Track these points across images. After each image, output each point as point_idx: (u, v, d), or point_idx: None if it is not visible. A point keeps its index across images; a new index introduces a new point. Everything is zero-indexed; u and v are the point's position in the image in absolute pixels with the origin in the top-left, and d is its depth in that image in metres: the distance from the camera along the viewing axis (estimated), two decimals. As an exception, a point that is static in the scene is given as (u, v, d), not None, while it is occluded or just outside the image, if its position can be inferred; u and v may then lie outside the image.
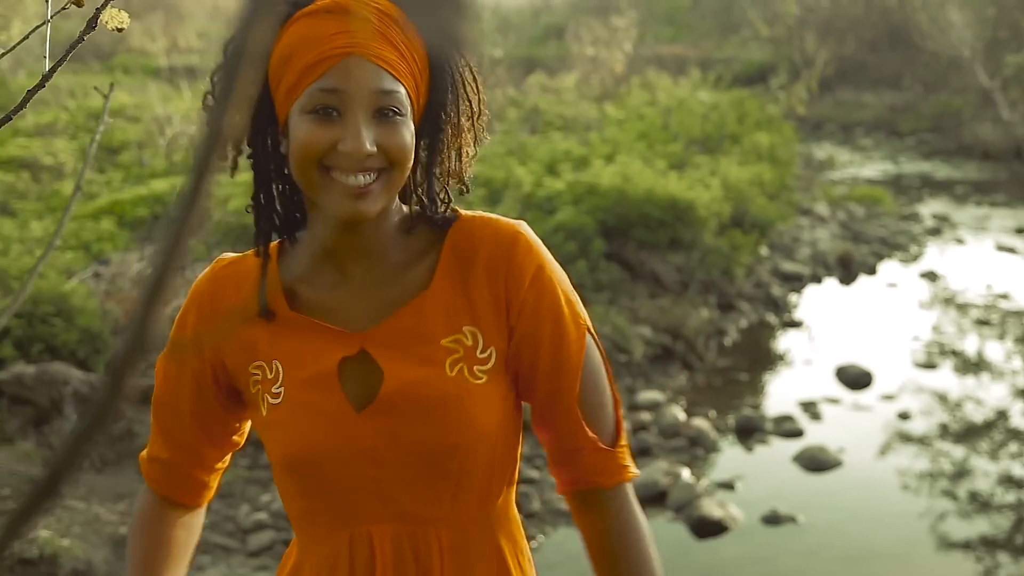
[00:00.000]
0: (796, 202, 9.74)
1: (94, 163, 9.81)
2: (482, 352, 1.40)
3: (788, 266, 8.57)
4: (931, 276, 8.73)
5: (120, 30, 1.49)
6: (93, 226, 7.17)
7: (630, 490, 1.48)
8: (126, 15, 1.48)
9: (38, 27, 1.37)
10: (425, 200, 1.41)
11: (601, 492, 1.46)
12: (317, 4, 1.33)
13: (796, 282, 8.45)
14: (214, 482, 1.61)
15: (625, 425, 1.49)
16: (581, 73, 12.58)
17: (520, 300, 1.40)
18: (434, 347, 1.39)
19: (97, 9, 1.28)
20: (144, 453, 1.60)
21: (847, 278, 8.82)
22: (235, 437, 1.57)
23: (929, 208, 11.22)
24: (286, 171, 1.40)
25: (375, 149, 1.29)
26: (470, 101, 1.40)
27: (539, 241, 1.44)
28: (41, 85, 1.26)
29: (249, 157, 1.41)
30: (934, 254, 9.53)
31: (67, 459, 0.46)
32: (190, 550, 1.64)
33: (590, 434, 1.43)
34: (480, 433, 1.39)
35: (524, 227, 1.44)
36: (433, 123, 1.38)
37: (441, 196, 1.43)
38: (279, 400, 1.40)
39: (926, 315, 7.81)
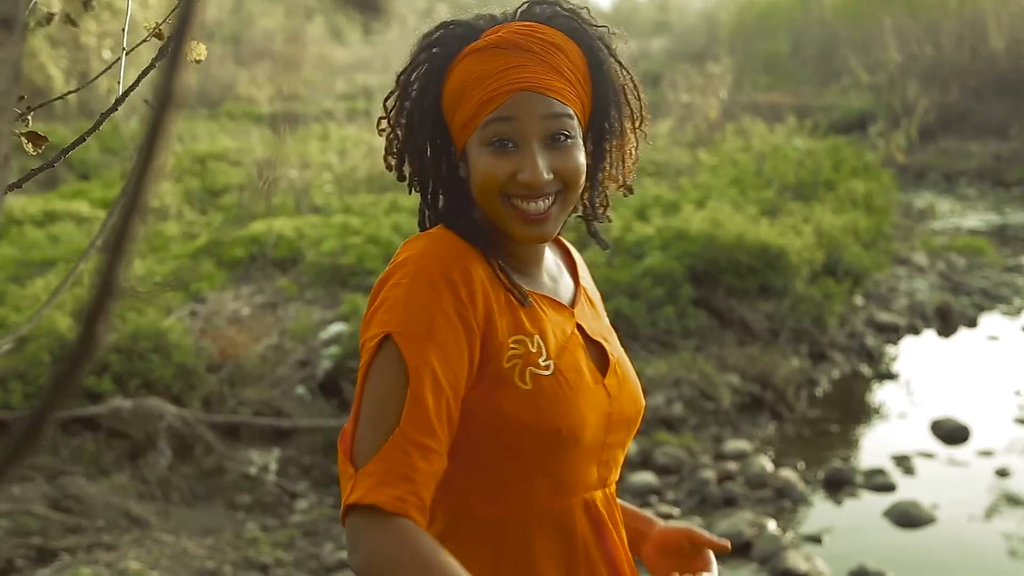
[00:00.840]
0: (893, 251, 9.55)
1: (196, 204, 10.10)
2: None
3: (884, 316, 8.39)
4: (1034, 329, 8.47)
5: (198, 61, 1.56)
6: (192, 265, 7.38)
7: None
8: (204, 47, 1.55)
9: (116, 61, 1.43)
10: (590, 205, 1.56)
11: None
12: (485, 39, 1.43)
13: (892, 333, 8.26)
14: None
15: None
16: (675, 120, 12.58)
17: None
18: (608, 325, 1.62)
19: (168, 38, 1.34)
20: (359, 488, 1.27)
21: (946, 330, 8.60)
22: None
23: (1035, 260, 10.90)
24: (466, 195, 1.49)
25: (551, 176, 1.40)
26: (631, 107, 1.51)
27: None
28: (114, 108, 1.32)
29: (414, 179, 1.51)
30: (1039, 307, 9.24)
31: (47, 404, 0.49)
32: None
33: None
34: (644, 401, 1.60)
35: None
36: (598, 132, 1.50)
37: (601, 200, 1.58)
38: (550, 372, 1.42)
39: (1028, 368, 7.56)
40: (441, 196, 1.51)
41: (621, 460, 1.55)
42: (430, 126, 1.46)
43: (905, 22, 21.60)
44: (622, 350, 1.60)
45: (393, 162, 1.51)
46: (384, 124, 1.50)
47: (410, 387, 1.30)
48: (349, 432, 1.35)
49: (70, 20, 1.73)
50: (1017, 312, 9.06)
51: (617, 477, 1.56)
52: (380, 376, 1.33)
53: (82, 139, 1.36)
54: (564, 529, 1.45)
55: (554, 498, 1.44)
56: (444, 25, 1.47)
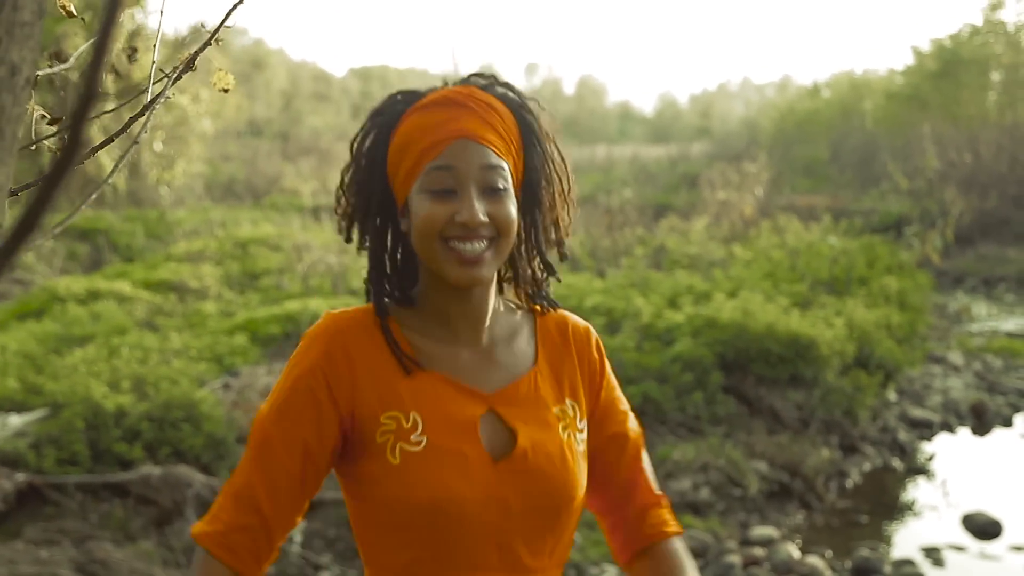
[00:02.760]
0: (928, 350, 9.49)
1: (236, 286, 10.27)
2: (580, 423, 1.63)
3: (917, 412, 8.32)
4: (1072, 430, 8.35)
5: (226, 91, 1.65)
6: (227, 340, 7.49)
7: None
8: (232, 78, 1.64)
9: (145, 107, 1.52)
10: (537, 271, 1.64)
11: (674, 540, 1.67)
12: (428, 99, 1.56)
13: (925, 429, 8.18)
14: (268, 564, 1.60)
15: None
16: (711, 216, 12.69)
17: (600, 385, 1.69)
18: (548, 413, 1.60)
19: (193, 53, 1.43)
20: (206, 526, 1.51)
21: (980, 428, 8.49)
22: (308, 502, 1.61)
23: (1074, 364, 10.77)
24: (399, 246, 1.62)
25: (487, 219, 1.49)
26: (560, 177, 1.61)
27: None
28: (123, 130, 1.41)
29: (365, 237, 1.60)
30: (1077, 409, 9.11)
31: (41, 199, 0.56)
32: None
33: (657, 491, 1.69)
34: (581, 493, 1.58)
35: (593, 331, 1.73)
36: (530, 196, 1.59)
37: (540, 265, 1.65)
38: (420, 447, 1.49)
39: (1064, 468, 7.44)
40: (385, 259, 1.60)
41: (552, 548, 1.56)
42: (376, 187, 1.57)
43: (944, 130, 21.74)
44: (565, 443, 1.58)
45: (345, 226, 1.61)
46: (339, 193, 1.61)
47: (246, 474, 1.50)
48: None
49: (114, 70, 1.83)
50: (1054, 413, 8.93)
51: (552, 565, 1.57)
52: (247, 451, 1.53)
53: (110, 139, 1.45)
54: None
55: (438, 573, 1.50)
56: (391, 96, 1.60)
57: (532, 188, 1.58)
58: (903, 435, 7.83)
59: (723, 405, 6.93)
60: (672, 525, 1.67)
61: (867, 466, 7.22)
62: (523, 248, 1.61)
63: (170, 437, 6.02)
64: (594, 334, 1.72)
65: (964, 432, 8.39)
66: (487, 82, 1.59)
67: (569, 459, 1.56)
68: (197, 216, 17.18)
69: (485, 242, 1.50)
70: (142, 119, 1.41)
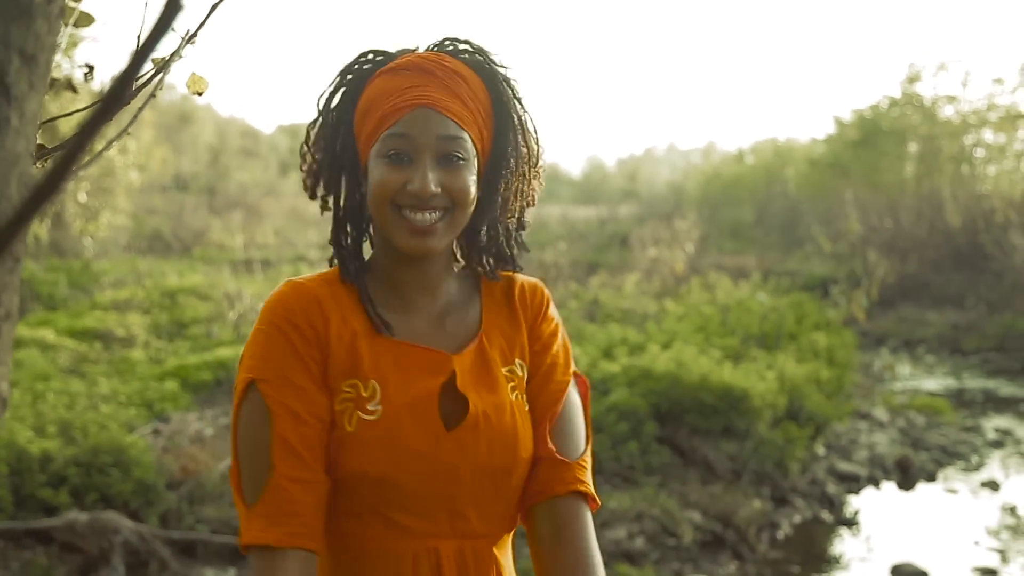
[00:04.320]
0: (855, 407, 9.65)
1: (164, 335, 10.11)
2: (526, 381, 1.61)
3: (844, 466, 8.44)
4: (993, 485, 8.52)
5: (199, 94, 1.64)
6: (158, 386, 7.36)
7: (586, 509, 1.57)
8: (207, 81, 1.64)
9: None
10: (501, 240, 1.62)
11: (557, 500, 1.56)
12: (395, 63, 1.55)
13: (853, 482, 8.29)
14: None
15: (588, 462, 1.63)
16: (642, 272, 12.84)
17: (540, 339, 1.64)
18: (498, 374, 1.58)
19: (162, 60, 1.43)
20: (257, 532, 1.41)
21: (905, 483, 8.63)
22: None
23: (992, 423, 11.02)
24: (361, 209, 1.60)
25: (439, 190, 1.49)
26: (529, 148, 1.60)
27: (551, 302, 1.71)
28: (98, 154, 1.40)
29: (326, 199, 1.60)
30: (996, 465, 9.31)
31: (68, 157, 0.56)
32: None
33: (550, 445, 1.58)
34: (529, 453, 1.56)
35: (543, 288, 1.70)
36: (497, 168, 1.58)
37: (502, 235, 1.63)
38: (375, 416, 1.48)
39: (987, 521, 7.59)
40: (346, 218, 1.60)
41: (501, 512, 1.55)
42: (340, 146, 1.57)
43: (865, 196, 22.32)
44: (514, 401, 1.56)
45: (310, 183, 1.59)
46: (305, 149, 1.59)
47: (274, 428, 1.43)
48: (235, 471, 1.47)
49: (71, 87, 1.82)
50: (976, 469, 9.12)
51: (502, 529, 1.57)
52: (249, 418, 1.45)
53: (124, 131, 1.44)
54: (397, 571, 1.49)
55: (388, 540, 1.49)
56: (363, 53, 1.59)
57: (499, 157, 1.57)
58: (832, 488, 7.93)
59: (658, 455, 6.97)
60: (564, 483, 1.55)
61: (797, 518, 7.29)
62: (484, 217, 1.60)
63: (97, 482, 5.88)
64: (543, 292, 1.69)
65: (890, 486, 8.52)
66: (458, 48, 1.58)
67: (519, 420, 1.55)
68: (123, 266, 16.91)
69: (438, 212, 1.49)
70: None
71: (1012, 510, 7.89)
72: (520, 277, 1.69)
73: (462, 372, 1.54)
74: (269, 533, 1.39)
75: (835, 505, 7.72)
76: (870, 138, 27.25)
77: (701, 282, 12.12)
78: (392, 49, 1.58)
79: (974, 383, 13.45)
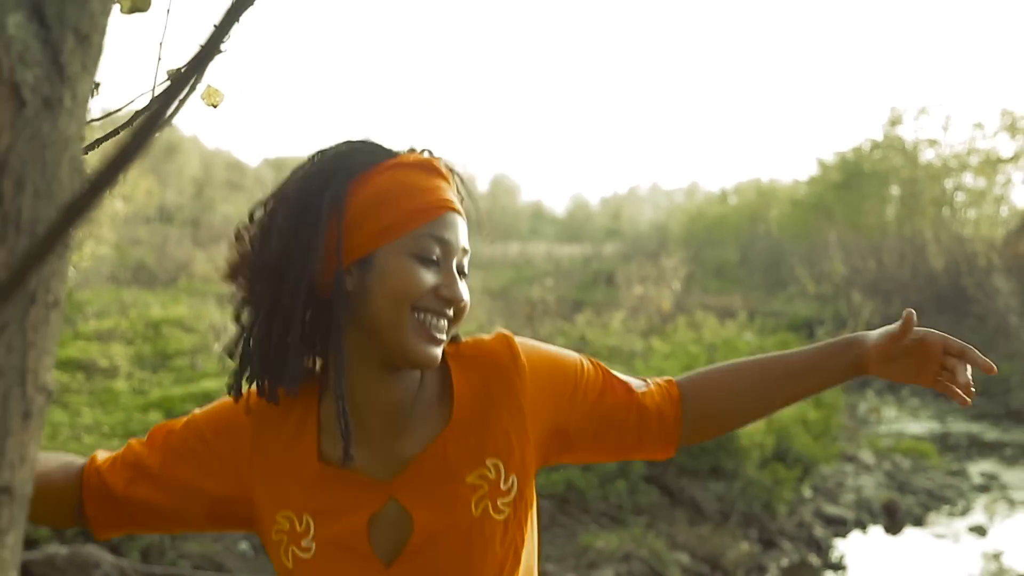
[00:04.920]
0: (841, 449, 9.63)
1: (148, 367, 10.02)
2: (504, 483, 1.44)
3: (831, 509, 8.41)
4: (980, 530, 8.50)
5: (215, 106, 1.60)
6: (141, 417, 7.27)
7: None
8: (223, 93, 1.60)
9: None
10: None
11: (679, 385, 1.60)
12: (405, 158, 1.43)
13: (840, 526, 8.26)
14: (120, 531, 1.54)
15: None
16: (628, 310, 12.83)
17: (540, 391, 1.49)
18: (459, 485, 1.42)
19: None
20: (102, 453, 1.54)
21: (893, 526, 8.61)
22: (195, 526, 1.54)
23: (978, 467, 11.02)
24: (310, 310, 1.41)
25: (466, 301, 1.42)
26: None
27: (519, 340, 1.53)
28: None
29: (274, 295, 1.37)
30: (982, 510, 9.30)
31: (106, 174, 0.54)
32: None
33: (642, 399, 1.56)
34: (498, 565, 1.42)
35: (507, 337, 1.52)
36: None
37: None
38: (309, 555, 1.40)
39: (973, 567, 7.56)
40: (297, 318, 1.37)
41: None
42: (318, 237, 1.36)
43: (849, 237, 22.45)
44: (471, 515, 1.41)
45: (246, 277, 1.42)
46: (243, 234, 1.43)
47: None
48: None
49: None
50: (962, 513, 9.11)
51: None
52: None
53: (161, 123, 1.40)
54: None
55: None
56: (351, 143, 1.44)
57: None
58: (819, 531, 7.89)
59: (645, 495, 6.92)
60: (669, 388, 1.58)
61: (785, 561, 7.25)
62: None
63: (78, 515, 5.78)
64: (513, 348, 1.49)
65: (877, 530, 8.49)
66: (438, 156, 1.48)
67: (478, 543, 1.40)
68: (106, 296, 16.81)
69: (447, 322, 1.40)
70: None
71: (997, 556, 7.87)
72: (483, 343, 1.52)
73: (411, 488, 1.41)
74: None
75: (822, 548, 7.68)
76: (852, 180, 27.47)
77: (687, 320, 12.12)
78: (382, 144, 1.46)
79: (958, 427, 13.46)
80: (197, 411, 1.53)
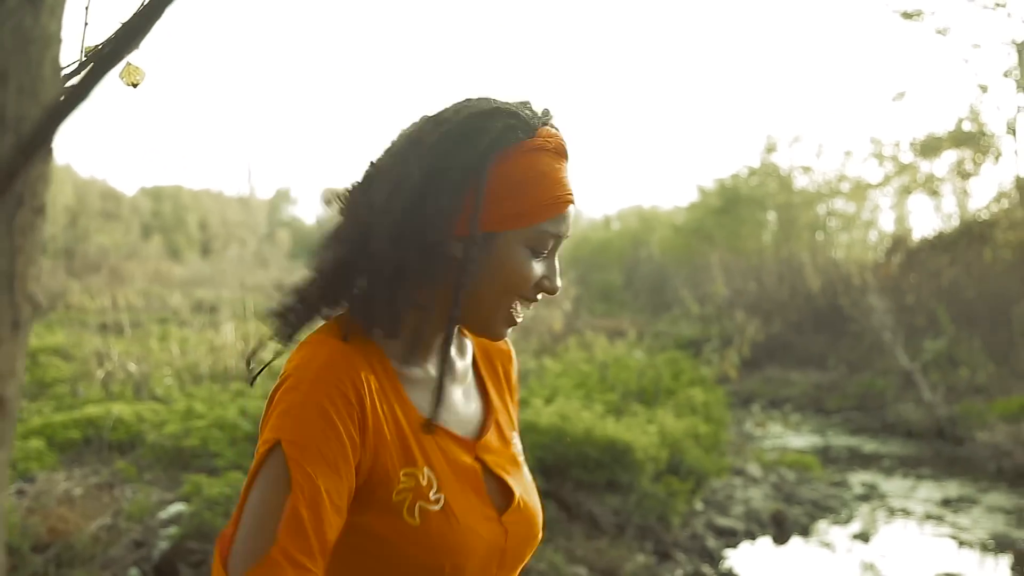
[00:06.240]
0: (730, 463, 9.82)
1: (26, 396, 9.66)
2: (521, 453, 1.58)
3: (723, 521, 8.55)
4: (863, 537, 8.75)
5: (135, 85, 1.56)
6: (21, 445, 7.01)
7: None
8: (143, 72, 1.56)
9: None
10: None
11: None
12: (546, 141, 1.41)
13: (731, 537, 8.41)
14: None
15: None
16: (520, 331, 12.90)
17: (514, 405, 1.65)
18: (514, 452, 1.55)
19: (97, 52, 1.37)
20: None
21: (781, 536, 8.79)
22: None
23: (858, 477, 11.35)
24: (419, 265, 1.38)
25: None
26: None
27: None
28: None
29: (396, 240, 1.36)
30: (865, 518, 9.58)
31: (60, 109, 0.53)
32: None
33: None
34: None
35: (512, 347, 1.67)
36: None
37: None
38: (439, 507, 1.38)
39: (859, 573, 7.77)
40: (406, 275, 1.37)
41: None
42: (444, 201, 1.36)
43: (730, 260, 22.99)
44: (527, 476, 1.56)
45: (357, 230, 1.39)
46: (361, 180, 1.42)
47: (291, 499, 1.23)
48: (228, 536, 1.27)
49: None
50: (846, 522, 9.36)
51: None
52: (265, 483, 1.26)
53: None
54: None
55: None
56: (499, 110, 1.40)
57: None
58: (711, 542, 8.02)
59: (544, 509, 6.93)
60: None
61: (679, 572, 7.33)
62: None
63: (-44, 546, 5.53)
64: (515, 356, 1.68)
65: (766, 540, 8.66)
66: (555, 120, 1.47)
67: (539, 502, 1.55)
68: (-24, 326, 16.18)
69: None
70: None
71: (871, 566, 8.11)
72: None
73: (489, 453, 1.50)
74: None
75: (715, 559, 7.80)
76: (731, 205, 28.16)
77: (578, 340, 12.24)
78: (516, 105, 1.42)
79: (838, 440, 13.86)
80: (285, 434, 1.29)
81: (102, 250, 40.60)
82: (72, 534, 5.85)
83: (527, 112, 1.42)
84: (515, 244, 1.39)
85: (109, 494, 6.37)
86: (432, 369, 1.47)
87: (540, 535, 1.53)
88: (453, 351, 1.53)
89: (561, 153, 1.42)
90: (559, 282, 1.44)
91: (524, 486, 1.52)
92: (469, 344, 1.59)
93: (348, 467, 1.30)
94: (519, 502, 1.48)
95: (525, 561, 1.52)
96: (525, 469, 1.56)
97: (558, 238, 1.42)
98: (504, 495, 1.48)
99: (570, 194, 1.42)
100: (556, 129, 1.44)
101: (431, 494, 1.38)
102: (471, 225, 1.37)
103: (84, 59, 1.42)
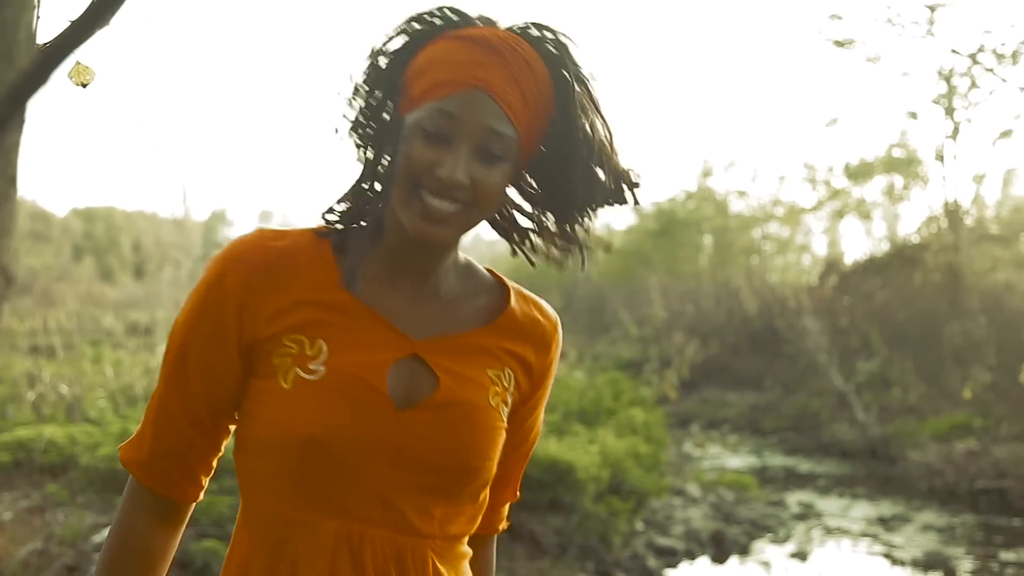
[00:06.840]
0: (669, 483, 9.87)
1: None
2: (511, 395, 1.51)
3: (663, 541, 8.57)
4: (801, 556, 8.83)
5: (84, 86, 1.53)
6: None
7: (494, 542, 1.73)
8: (93, 72, 1.53)
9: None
10: (556, 242, 1.52)
11: (494, 537, 1.70)
12: (468, 31, 1.40)
13: (671, 556, 8.42)
14: (206, 484, 1.52)
15: None
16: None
17: (543, 379, 1.58)
18: (482, 375, 1.47)
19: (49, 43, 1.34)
20: (132, 452, 1.48)
21: (720, 556, 8.84)
22: (229, 425, 1.50)
23: (795, 497, 11.46)
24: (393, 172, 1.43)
25: (468, 182, 1.36)
26: (590, 158, 1.45)
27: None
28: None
29: (363, 143, 1.47)
30: (802, 537, 9.67)
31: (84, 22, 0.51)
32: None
33: (518, 493, 1.65)
34: (493, 465, 1.46)
35: (560, 324, 1.62)
36: (543, 173, 1.49)
37: (534, 247, 1.55)
38: (315, 376, 1.38)
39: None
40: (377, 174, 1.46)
41: (446, 516, 1.43)
42: (384, 94, 1.43)
43: (668, 283, 23.18)
44: (488, 402, 1.45)
45: (350, 130, 1.47)
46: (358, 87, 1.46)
47: (163, 388, 1.45)
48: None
49: None
50: (783, 541, 9.44)
51: (443, 535, 1.45)
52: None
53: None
54: (315, 552, 1.38)
55: (310, 516, 1.38)
56: (439, 8, 1.44)
57: (545, 162, 1.46)
58: (651, 562, 8.03)
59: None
60: (504, 522, 1.68)
61: (621, 592, 7.34)
62: (532, 214, 1.53)
63: None
64: (559, 332, 1.60)
65: (704, 560, 8.70)
66: (541, 36, 1.43)
67: (487, 426, 1.45)
68: (-101, 350, 15.75)
69: (458, 205, 1.37)
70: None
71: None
72: (545, 306, 1.59)
73: (442, 355, 1.44)
74: (141, 471, 1.46)
75: (656, 579, 7.81)
76: (668, 229, 28.43)
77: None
78: (473, 13, 1.44)
79: (775, 461, 14.00)
80: (184, 313, 1.46)
81: (32, 272, 39.78)
82: (1, 560, 5.70)
83: (465, 12, 1.44)
84: (415, 127, 1.38)
85: (40, 518, 6.21)
86: (410, 285, 1.48)
87: (466, 463, 1.42)
88: (456, 284, 1.52)
89: (483, 43, 1.38)
90: (454, 173, 1.34)
91: (465, 401, 1.43)
92: (493, 286, 1.56)
93: (220, 342, 1.42)
94: (437, 403, 1.41)
95: (445, 482, 1.41)
96: (493, 402, 1.46)
97: (452, 119, 1.35)
98: (423, 393, 1.41)
99: (474, 76, 1.36)
100: (498, 27, 1.43)
101: (312, 364, 1.38)
102: (394, 111, 1.43)
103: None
